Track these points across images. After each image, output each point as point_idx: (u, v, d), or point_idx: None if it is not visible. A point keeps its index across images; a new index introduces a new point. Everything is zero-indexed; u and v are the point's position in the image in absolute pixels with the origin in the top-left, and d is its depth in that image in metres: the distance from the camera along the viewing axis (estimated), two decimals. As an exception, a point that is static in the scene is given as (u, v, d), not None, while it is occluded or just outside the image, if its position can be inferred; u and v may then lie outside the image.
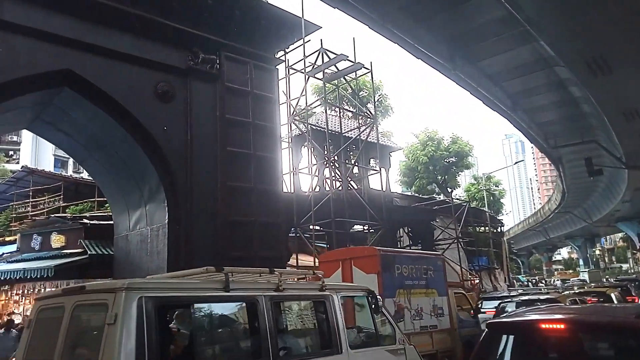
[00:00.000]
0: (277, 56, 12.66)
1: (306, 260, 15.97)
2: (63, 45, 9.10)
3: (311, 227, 14.73)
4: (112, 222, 13.80)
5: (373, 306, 5.48)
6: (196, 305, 4.27)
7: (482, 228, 28.85)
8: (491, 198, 37.78)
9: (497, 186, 41.69)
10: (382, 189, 16.89)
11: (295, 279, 6.20)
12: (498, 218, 35.38)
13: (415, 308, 8.85)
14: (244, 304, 4.52)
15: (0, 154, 36.56)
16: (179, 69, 10.62)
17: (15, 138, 38.10)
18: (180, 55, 10.65)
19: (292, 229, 14.53)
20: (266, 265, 10.71)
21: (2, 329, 10.23)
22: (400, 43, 13.26)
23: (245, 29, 11.54)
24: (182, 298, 4.11)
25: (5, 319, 12.70)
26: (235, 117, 11.16)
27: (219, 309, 4.52)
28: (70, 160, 39.32)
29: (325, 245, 18.07)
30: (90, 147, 11.99)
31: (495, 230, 28.90)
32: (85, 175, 30.05)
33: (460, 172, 37.55)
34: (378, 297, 5.61)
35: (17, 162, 35.48)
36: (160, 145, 10.32)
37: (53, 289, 4.66)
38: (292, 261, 14.63)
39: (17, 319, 15.47)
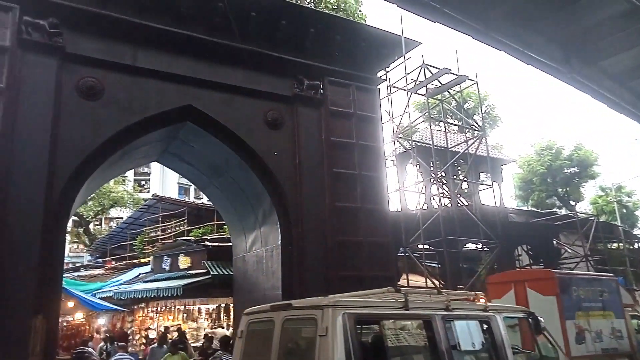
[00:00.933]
0: (379, 75, 12.76)
1: (417, 280, 15.58)
2: (185, 84, 10.10)
3: (420, 246, 14.37)
4: (230, 244, 14.76)
5: (534, 327, 5.63)
6: (384, 322, 4.91)
7: (616, 244, 25.79)
8: (624, 210, 33.65)
9: (630, 197, 37.01)
10: (495, 204, 15.99)
11: (460, 299, 6.28)
12: (634, 233, 31.37)
13: (595, 330, 8.95)
14: (421, 322, 5.03)
15: (134, 184, 41.18)
16: (286, 97, 11.19)
17: (146, 169, 42.60)
18: (286, 83, 11.22)
19: (401, 249, 14.31)
20: (376, 285, 10.69)
21: (156, 343, 11.33)
22: (507, 50, 12.56)
23: (347, 53, 11.84)
24: (373, 315, 4.77)
25: (160, 334, 13.99)
26: (340, 139, 11.40)
27: (401, 325, 5.19)
28: (192, 187, 43.01)
29: (436, 265, 17.48)
30: (210, 175, 13.04)
31: (631, 247, 25.65)
32: (205, 200, 32.63)
33: (584, 183, 34.04)
34: (539, 318, 5.72)
35: (148, 191, 39.57)
36: (271, 170, 10.88)
37: (262, 306, 5.60)
38: (403, 281, 14.37)
39: (152, 334, 17.10)
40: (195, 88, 10.20)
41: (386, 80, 12.93)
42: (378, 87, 12.54)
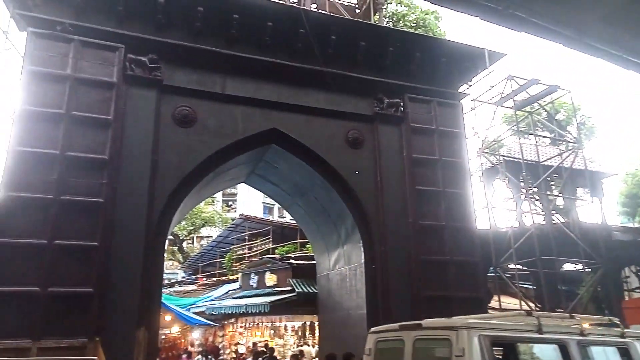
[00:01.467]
0: (461, 90, 12.44)
1: (509, 302, 14.68)
2: (269, 108, 10.56)
3: (512, 266, 13.56)
4: (314, 261, 14.97)
5: None
6: (518, 345, 4.89)
7: None
8: None
9: None
10: (596, 221, 14.71)
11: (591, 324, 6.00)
12: None
13: None
14: (556, 346, 4.91)
15: (222, 204, 43.34)
16: (366, 116, 11.27)
17: (233, 190, 44.67)
18: (366, 103, 11.32)
19: (491, 269, 13.60)
20: (465, 307, 10.24)
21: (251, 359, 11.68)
22: (604, 57, 11.67)
23: (427, 69, 11.71)
24: (507, 337, 4.81)
25: (258, 349, 14.44)
26: (422, 156, 11.21)
27: (535, 349, 5.04)
28: (276, 207, 44.33)
29: (530, 287, 16.39)
30: (294, 194, 13.41)
31: None
32: (288, 219, 33.46)
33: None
34: None
35: (235, 211, 41.42)
36: (353, 189, 10.95)
37: (389, 325, 5.99)
38: (494, 303, 13.62)
39: (241, 349, 17.70)
40: (279, 112, 10.62)
41: (469, 94, 12.54)
42: (461, 101, 12.22)
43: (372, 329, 6.05)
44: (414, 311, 10.14)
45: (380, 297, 10.45)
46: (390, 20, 12.29)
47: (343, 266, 12.23)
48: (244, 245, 25.98)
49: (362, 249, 11.09)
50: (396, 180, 11.04)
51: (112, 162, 8.80)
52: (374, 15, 12.05)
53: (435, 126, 11.49)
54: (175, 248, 32.85)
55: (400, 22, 12.16)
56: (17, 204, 8.05)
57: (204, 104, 10.04)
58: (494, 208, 15.19)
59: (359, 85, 11.17)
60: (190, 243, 36.63)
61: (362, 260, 11.03)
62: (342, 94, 11.04)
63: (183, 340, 20.05)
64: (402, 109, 11.42)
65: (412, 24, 12.33)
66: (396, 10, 13.17)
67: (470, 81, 12.57)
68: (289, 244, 21.82)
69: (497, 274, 13.84)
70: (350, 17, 12.11)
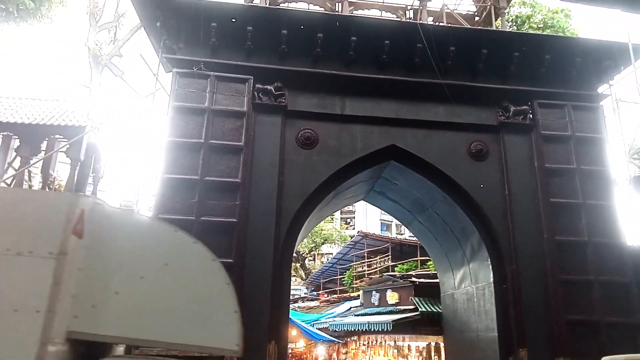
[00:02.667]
0: (601, 91, 11.25)
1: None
2: (388, 125, 10.56)
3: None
4: (437, 280, 14.47)
5: None
6: None
7: None
8: None
9: None
10: None
11: None
12: None
13: None
14: None
15: (341, 222, 44.09)
16: (490, 126, 10.72)
17: (350, 208, 45.26)
18: (490, 112, 10.77)
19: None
20: (616, 333, 9.04)
21: None
22: None
23: (559, 71, 10.82)
24: None
25: None
26: (557, 166, 10.31)
27: None
28: (394, 223, 43.90)
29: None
30: (414, 211, 13.16)
31: None
32: (407, 236, 32.90)
33: None
34: None
35: (353, 228, 41.85)
36: (478, 204, 10.41)
37: (626, 355, 6.01)
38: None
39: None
40: (397, 128, 10.58)
41: (610, 94, 11.29)
42: (601, 104, 11.04)
43: (604, 358, 5.84)
44: (554, 336, 9.30)
45: (513, 319, 9.73)
46: (514, 23, 11.60)
47: (469, 285, 11.63)
48: (363, 263, 26.07)
49: (490, 267, 10.45)
50: (527, 193, 10.28)
51: (244, 184, 9.49)
52: (496, 20, 11.51)
53: (570, 132, 10.52)
54: (298, 265, 34.07)
55: (525, 24, 11.42)
56: (166, 225, 9.02)
57: (325, 126, 10.39)
58: (646, 221, 13.33)
59: (482, 95, 10.69)
60: (311, 260, 37.74)
61: (491, 280, 10.38)
62: (463, 105, 10.65)
63: (308, 355, 20.56)
64: (530, 116, 10.66)
65: (539, 26, 11.51)
66: (520, 12, 12.39)
67: (612, 80, 11.32)
68: (409, 261, 21.42)
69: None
70: (469, 26, 11.72)
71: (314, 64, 10.42)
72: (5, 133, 11.34)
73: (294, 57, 10.39)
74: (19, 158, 11.32)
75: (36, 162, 11.67)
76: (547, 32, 11.36)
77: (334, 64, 10.46)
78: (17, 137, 11.23)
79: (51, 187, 12.99)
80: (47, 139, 11.13)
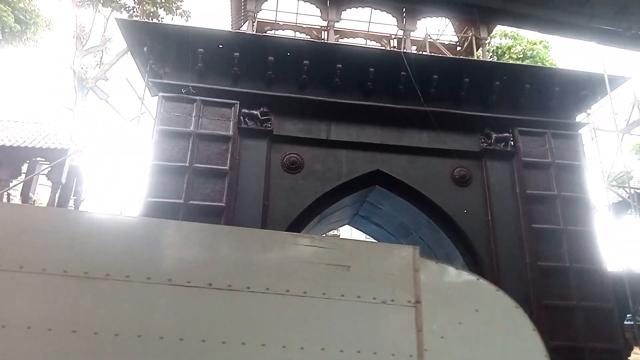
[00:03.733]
0: (579, 120, 11.57)
1: (654, 355, 12.77)
2: (373, 150, 10.66)
3: (654, 313, 11.85)
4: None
5: None
6: None
7: None
8: None
9: None
10: None
11: None
12: None
13: None
14: None
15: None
16: (473, 153, 10.90)
17: (335, 232, 45.06)
18: (473, 139, 10.97)
19: (628, 316, 12.03)
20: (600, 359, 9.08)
21: None
22: None
23: (538, 100, 11.12)
24: None
25: None
26: (538, 192, 10.49)
27: None
28: (378, 247, 43.87)
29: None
30: (399, 235, 13.21)
31: None
32: (391, 260, 32.88)
33: None
34: None
35: (338, 252, 41.58)
36: (461, 229, 10.49)
37: None
38: (635, 356, 11.92)
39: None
40: (382, 153, 10.69)
41: (588, 123, 11.61)
42: (579, 132, 11.34)
43: None
44: (539, 363, 9.27)
45: (499, 345, 9.70)
46: (495, 54, 11.95)
47: (455, 311, 11.60)
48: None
49: (475, 292, 10.46)
50: (509, 219, 10.41)
51: (229, 208, 9.43)
52: (477, 50, 11.85)
53: (551, 159, 10.75)
54: (282, 289, 33.69)
55: (506, 54, 11.77)
56: (148, 249, 8.88)
57: (310, 150, 10.45)
58: (626, 247, 13.61)
59: (464, 122, 10.91)
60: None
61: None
62: (446, 131, 10.85)
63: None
64: (512, 143, 10.90)
65: (519, 56, 11.86)
66: (500, 43, 12.81)
67: (589, 109, 11.67)
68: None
69: (638, 322, 12.18)
70: (451, 55, 12.02)
71: (300, 89, 10.55)
72: (-14, 155, 11.21)
73: (281, 83, 10.51)
74: (-2, 180, 11.18)
75: (16, 185, 11.50)
76: (527, 62, 11.69)
77: (320, 90, 10.59)
78: (-3, 159, 11.11)
79: (31, 210, 12.77)
80: (28, 161, 11.05)
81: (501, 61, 11.51)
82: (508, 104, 11.09)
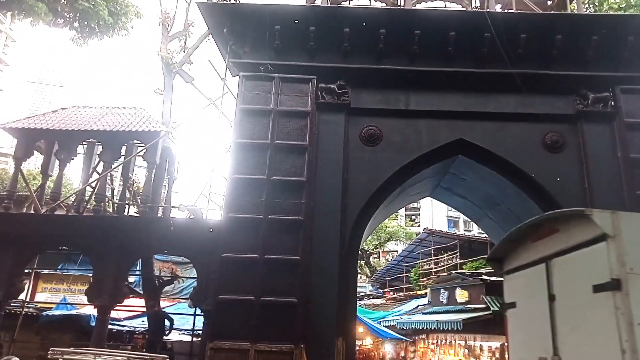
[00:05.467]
0: (694, 72, 10.25)
1: None
2: (455, 119, 10.25)
3: None
4: (510, 278, 13.85)
5: None
6: None
7: None
8: None
9: None
10: None
11: None
12: None
13: None
14: None
15: (406, 219, 43.45)
16: (567, 116, 10.09)
17: (415, 204, 44.50)
18: (566, 101, 10.14)
19: None
20: None
21: None
22: None
23: (644, 54, 9.98)
24: None
25: None
26: (646, 155, 9.53)
27: None
28: (461, 220, 42.63)
29: None
30: (484, 207, 12.68)
31: None
32: (475, 232, 31.83)
33: None
34: None
35: (419, 225, 41.12)
36: (554, 198, 9.83)
37: None
38: None
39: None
40: (465, 121, 10.24)
41: None
42: (695, 85, 10.06)
43: None
44: None
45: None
46: (591, 4, 10.83)
47: (546, 284, 11.01)
48: (430, 260, 25.54)
49: (568, 265, 9.85)
50: (609, 186, 9.58)
51: (309, 183, 9.59)
52: (570, 3, 10.81)
53: (659, 119, 9.68)
54: (363, 262, 34.00)
55: (604, 4, 10.61)
56: (236, 224, 9.34)
57: (389, 122, 10.27)
58: None
59: (557, 83, 10.09)
60: (376, 257, 37.52)
61: (571, 279, 9.77)
62: (536, 94, 10.11)
63: (375, 353, 20.47)
64: (612, 103, 9.93)
65: (620, 5, 10.65)
66: (598, -7, 11.55)
67: None
68: (478, 258, 20.68)
69: None
70: (541, 11, 11.09)
71: (377, 60, 10.32)
72: (90, 140, 12.31)
73: (357, 55, 10.34)
74: (101, 163, 12.26)
75: (117, 167, 12.53)
76: (630, 12, 10.48)
77: (398, 59, 10.29)
78: (100, 143, 12.16)
79: (130, 189, 13.89)
80: (126, 144, 11.96)
81: (599, 13, 10.41)
82: (607, 61, 10.07)
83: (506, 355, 16.31)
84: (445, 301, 18.38)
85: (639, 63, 10.04)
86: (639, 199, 9.29)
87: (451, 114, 10.21)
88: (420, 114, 10.27)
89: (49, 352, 5.56)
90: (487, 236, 17.40)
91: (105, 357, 5.47)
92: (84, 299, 10.73)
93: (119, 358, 5.40)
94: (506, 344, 16.03)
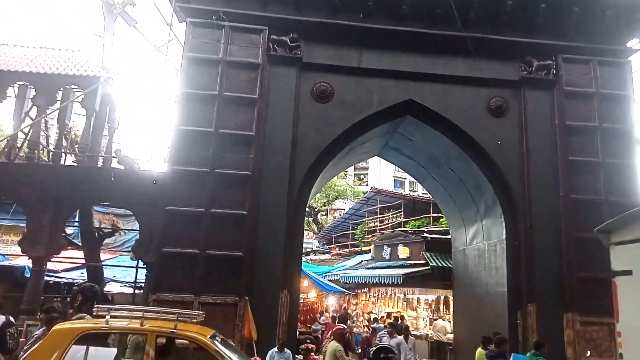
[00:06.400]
0: (630, 45, 10.78)
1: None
2: (406, 79, 10.34)
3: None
4: (449, 236, 14.56)
5: None
6: None
7: None
8: None
9: None
10: None
11: None
12: None
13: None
14: None
15: (354, 178, 44.16)
16: (511, 82, 10.42)
17: (364, 164, 45.16)
18: (512, 67, 10.45)
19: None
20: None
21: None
22: None
23: (586, 25, 10.35)
24: None
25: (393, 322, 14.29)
26: (578, 123, 10.09)
27: None
28: (407, 180, 43.84)
29: None
30: (429, 167, 13.08)
31: None
32: (420, 193, 32.93)
33: None
34: None
35: (366, 184, 41.92)
36: (494, 161, 10.31)
37: None
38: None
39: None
40: (415, 82, 10.35)
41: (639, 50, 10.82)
42: (629, 59, 10.62)
43: None
44: (564, 292, 9.42)
45: (524, 275, 9.84)
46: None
47: (481, 241, 11.70)
48: (376, 218, 26.26)
49: (503, 224, 10.49)
50: (545, 151, 10.12)
51: (258, 137, 9.46)
52: (522, -31, 10.93)
53: (595, 89, 10.20)
54: (311, 219, 34.49)
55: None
56: (181, 177, 9.13)
57: (341, 79, 10.21)
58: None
59: (504, 49, 10.34)
60: (324, 215, 38.14)
61: (504, 236, 10.43)
62: (484, 59, 10.34)
63: (319, 306, 21.17)
64: (554, 71, 10.35)
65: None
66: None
67: (642, 35, 10.82)
68: (421, 217, 21.49)
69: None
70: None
71: (332, 14, 10.09)
72: (22, 83, 11.40)
73: (311, 8, 10.06)
74: (35, 107, 11.44)
75: (52, 112, 11.75)
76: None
77: (352, 15, 10.11)
78: (32, 86, 11.30)
79: (67, 137, 13.13)
80: (62, 89, 11.18)
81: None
82: (553, 29, 10.39)
83: (441, 307, 17.44)
84: (387, 257, 19.11)
85: (582, 34, 10.43)
86: (570, 164, 9.90)
87: (402, 74, 10.27)
88: (372, 72, 10.26)
89: (95, 308, 5.44)
90: (429, 196, 18.05)
91: (153, 314, 5.44)
92: (17, 249, 10.24)
93: (168, 315, 5.47)
94: (442, 297, 17.09)
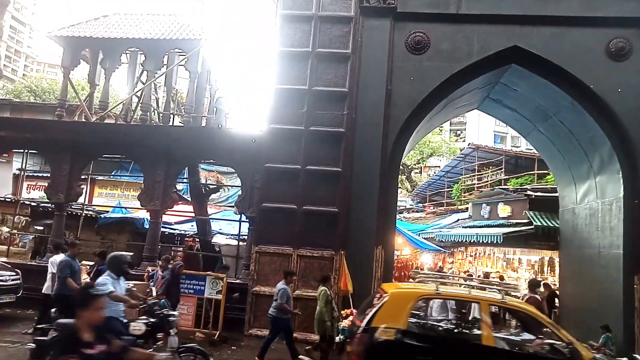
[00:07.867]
0: None
1: None
2: (510, 24, 9.51)
3: None
4: (556, 194, 13.55)
5: None
6: None
7: None
8: None
9: None
10: None
11: None
12: None
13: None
14: None
15: (450, 134, 42.44)
16: (636, 20, 9.13)
17: (461, 119, 43.11)
18: (636, 2, 9.12)
19: None
20: None
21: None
22: None
23: None
24: None
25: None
26: None
27: None
28: (509, 136, 41.22)
29: None
30: (535, 120, 12.10)
31: None
32: (523, 148, 30.82)
33: None
34: None
35: (464, 140, 40.14)
36: (613, 110, 9.25)
37: None
38: None
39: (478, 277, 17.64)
40: (521, 27, 9.48)
41: None
42: None
43: None
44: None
45: (644, 237, 8.92)
46: None
47: (594, 200, 10.72)
48: (473, 176, 25.16)
49: (621, 180, 9.49)
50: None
51: (351, 94, 9.38)
52: None
53: None
54: (404, 177, 33.98)
55: None
56: (278, 135, 9.41)
57: (438, 28, 9.66)
58: None
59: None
60: (418, 172, 37.35)
61: (621, 194, 9.46)
62: (604, -5, 9.13)
63: (413, 263, 21.11)
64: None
65: None
66: None
67: None
68: (523, 175, 20.17)
69: None
70: None
71: (427, -44, 9.46)
72: (133, 49, 12.34)
73: (405, -49, 9.50)
74: (145, 72, 12.36)
75: (160, 76, 12.61)
76: None
77: (450, -44, 9.39)
78: (142, 52, 12.18)
79: (174, 99, 14.08)
80: (167, 53, 11.92)
81: None
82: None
83: (545, 269, 16.50)
84: (486, 215, 18.31)
85: None
86: None
87: (506, 18, 9.45)
88: (472, 18, 9.56)
89: (411, 272, 6.77)
90: (534, 152, 16.82)
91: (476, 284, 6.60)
92: (137, 203, 11.41)
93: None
94: (547, 258, 16.14)
